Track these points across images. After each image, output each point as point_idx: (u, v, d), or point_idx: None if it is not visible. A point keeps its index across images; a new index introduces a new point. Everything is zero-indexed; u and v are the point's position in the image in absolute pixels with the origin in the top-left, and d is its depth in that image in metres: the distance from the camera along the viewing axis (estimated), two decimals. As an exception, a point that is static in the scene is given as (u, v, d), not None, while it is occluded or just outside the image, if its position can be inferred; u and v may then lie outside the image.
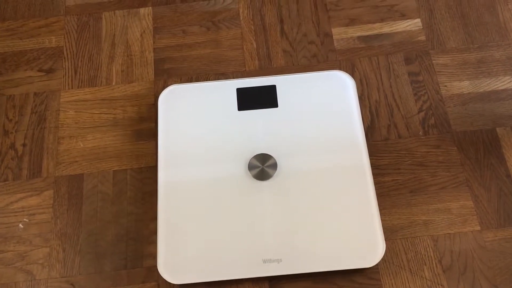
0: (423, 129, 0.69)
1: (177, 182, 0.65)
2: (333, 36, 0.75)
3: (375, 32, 0.75)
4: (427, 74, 0.72)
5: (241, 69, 0.74)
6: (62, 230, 0.65)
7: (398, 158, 0.67)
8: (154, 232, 0.64)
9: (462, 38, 0.74)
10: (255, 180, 0.64)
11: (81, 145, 0.70)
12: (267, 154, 0.65)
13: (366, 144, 0.65)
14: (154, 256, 0.63)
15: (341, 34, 0.76)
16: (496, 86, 0.70)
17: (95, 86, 0.74)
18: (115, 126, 0.71)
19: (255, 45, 0.76)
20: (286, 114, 0.68)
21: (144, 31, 0.78)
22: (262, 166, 0.65)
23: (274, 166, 0.65)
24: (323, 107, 0.68)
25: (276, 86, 0.70)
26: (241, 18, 0.78)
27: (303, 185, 0.64)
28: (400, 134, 0.68)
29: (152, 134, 0.70)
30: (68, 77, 0.75)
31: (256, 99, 0.69)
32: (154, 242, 0.64)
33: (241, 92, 0.70)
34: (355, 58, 0.74)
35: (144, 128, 0.71)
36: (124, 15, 0.79)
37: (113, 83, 0.74)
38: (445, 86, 0.71)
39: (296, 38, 0.76)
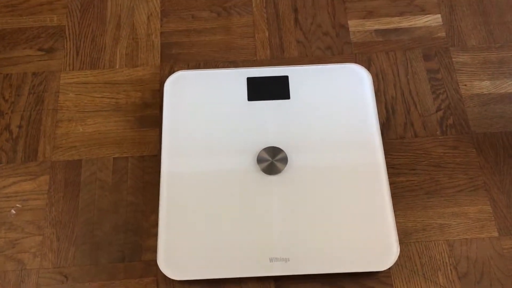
0: (440, 128, 0.65)
1: (181, 172, 0.61)
2: (349, 28, 0.72)
3: (393, 26, 0.72)
4: (447, 72, 0.69)
5: (252, 58, 0.71)
6: (57, 218, 0.61)
7: (414, 158, 0.64)
8: (155, 225, 0.60)
9: (483, 36, 0.71)
10: (264, 174, 0.61)
11: (81, 129, 0.66)
12: (277, 148, 0.62)
13: (382, 142, 0.62)
14: (153, 250, 0.59)
15: (358, 27, 0.72)
16: (518, 87, 0.68)
17: (98, 69, 0.70)
18: (117, 111, 0.67)
19: (267, 34, 0.72)
20: (299, 107, 0.65)
21: (151, 14, 0.74)
22: (272, 160, 0.61)
23: (285, 160, 0.61)
24: (337, 101, 0.65)
25: (289, 77, 0.66)
26: (254, 5, 0.74)
27: (314, 181, 0.60)
28: (417, 133, 0.65)
29: (155, 122, 0.67)
30: (69, 57, 0.71)
31: (267, 89, 0.66)
32: (154, 235, 0.60)
33: (251, 82, 0.66)
34: (372, 52, 0.70)
35: (148, 115, 0.67)
36: (131, -4, 0.75)
37: (117, 66, 0.70)
38: (465, 85, 0.68)
39: (311, 29, 0.72)
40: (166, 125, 0.64)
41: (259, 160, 0.61)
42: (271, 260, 0.57)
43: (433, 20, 0.72)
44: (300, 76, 0.67)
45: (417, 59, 0.70)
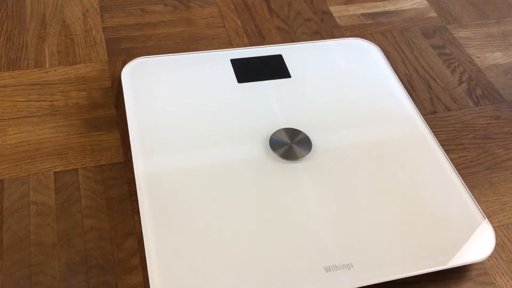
0: (472, 100, 0.54)
1: (165, 174, 0.41)
2: (333, 14, 0.61)
3: (379, 9, 0.63)
4: (453, 47, 0.59)
5: (228, 47, 0.56)
6: (-34, 263, 0.37)
7: (456, 132, 0.51)
8: (133, 253, 0.39)
9: (475, 15, 0.64)
10: (283, 160, 0.43)
11: (-1, 142, 0.45)
12: (293, 129, 0.45)
13: (418, 111, 0.49)
14: None
15: (342, 12, 0.62)
16: (532, 56, 0.60)
17: (19, 69, 0.51)
18: (53, 115, 0.47)
19: (239, 23, 0.59)
20: (304, 84, 0.50)
21: (87, 10, 0.58)
22: (291, 143, 0.44)
23: (307, 141, 0.45)
24: (350, 75, 0.51)
25: (283, 56, 0.52)
26: (216, -3, 0.61)
27: (353, 163, 0.44)
28: (448, 106, 0.53)
29: (112, 122, 0.47)
30: (-25, 60, 0.51)
31: (260, 70, 0.51)
32: (135, 268, 0.38)
33: (237, 64, 0.51)
34: (366, 34, 0.59)
35: (100, 116, 0.48)
36: (57, -5, 0.59)
37: (47, 65, 0.51)
38: (478, 57, 0.59)
39: (289, 16, 0.60)
40: (132, 120, 0.45)
41: (273, 144, 0.44)
42: (327, 269, 0.37)
43: (419, 3, 0.65)
44: (296, 54, 0.53)
45: (417, 37, 0.60)
